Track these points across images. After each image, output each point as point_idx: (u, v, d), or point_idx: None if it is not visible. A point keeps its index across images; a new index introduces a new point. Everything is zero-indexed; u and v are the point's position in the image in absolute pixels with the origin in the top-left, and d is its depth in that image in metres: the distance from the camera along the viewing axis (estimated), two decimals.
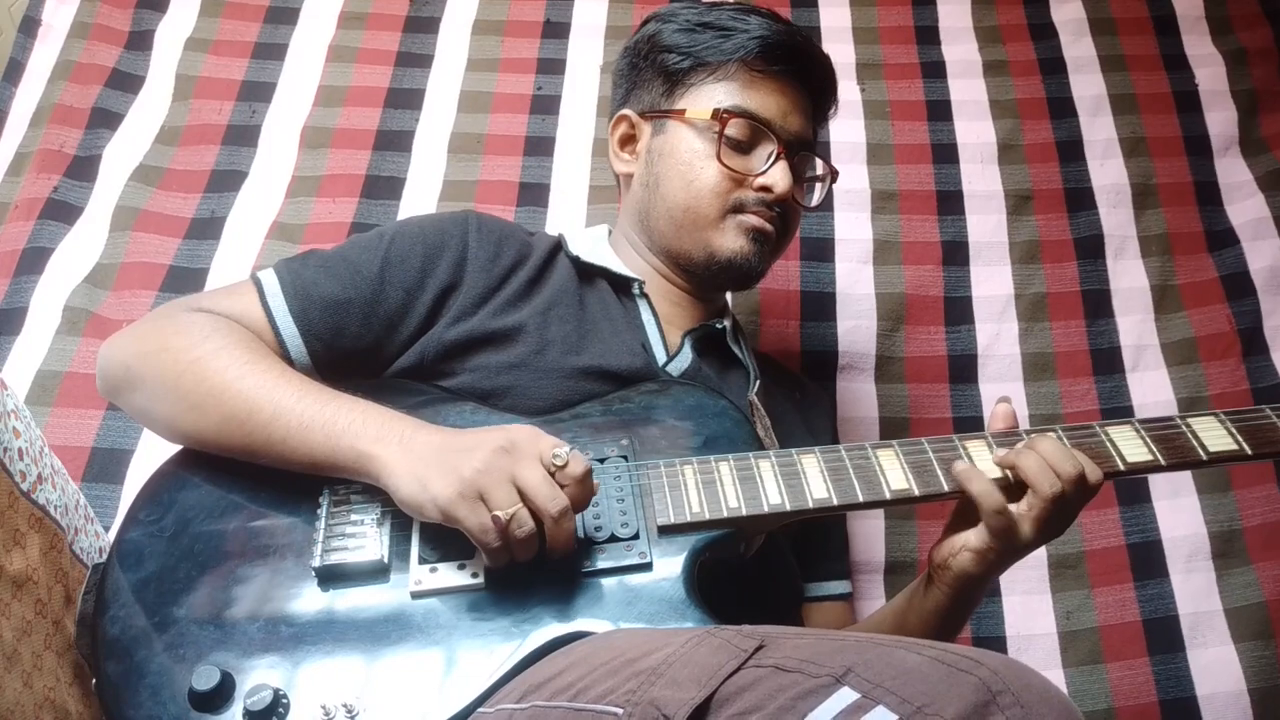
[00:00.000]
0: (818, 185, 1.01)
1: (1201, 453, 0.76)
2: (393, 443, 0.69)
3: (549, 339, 0.83)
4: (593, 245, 0.95)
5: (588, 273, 0.92)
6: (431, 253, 0.85)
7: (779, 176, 0.90)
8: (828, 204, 1.33)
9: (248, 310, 0.81)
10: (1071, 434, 0.77)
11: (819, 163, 0.99)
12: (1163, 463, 0.75)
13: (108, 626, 0.68)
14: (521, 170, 1.32)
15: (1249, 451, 0.76)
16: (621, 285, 0.93)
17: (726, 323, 0.96)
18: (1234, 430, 0.77)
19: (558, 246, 0.93)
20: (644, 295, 0.92)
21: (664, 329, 0.91)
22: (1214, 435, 0.76)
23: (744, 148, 0.91)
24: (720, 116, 0.90)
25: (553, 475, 0.66)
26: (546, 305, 0.86)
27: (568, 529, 0.67)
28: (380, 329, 0.83)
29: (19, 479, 0.70)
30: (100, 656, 0.68)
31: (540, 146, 1.34)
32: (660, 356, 0.89)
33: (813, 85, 0.96)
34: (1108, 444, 0.76)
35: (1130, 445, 0.76)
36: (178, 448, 0.79)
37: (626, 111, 0.99)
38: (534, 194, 1.30)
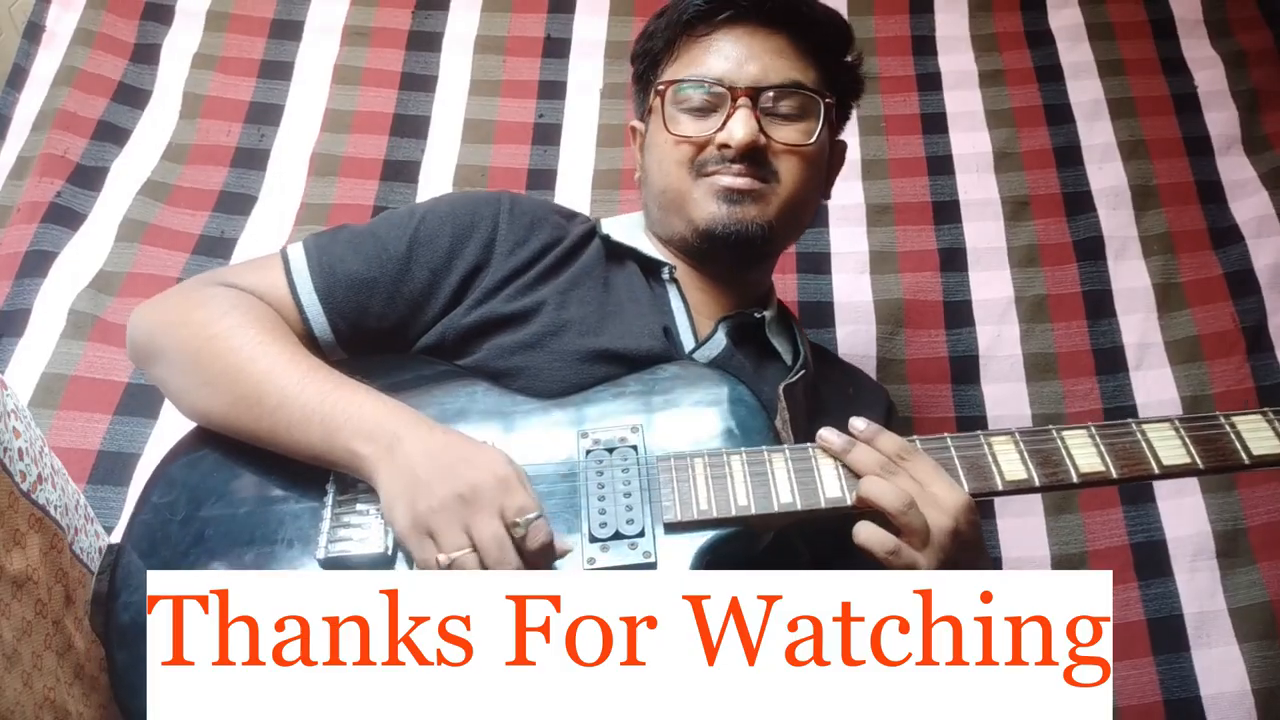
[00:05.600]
0: (806, 121, 0.89)
1: (1155, 466, 0.71)
2: (382, 444, 0.69)
3: (566, 319, 0.82)
4: (629, 229, 0.94)
5: (618, 254, 0.90)
6: (461, 233, 0.85)
7: (733, 126, 0.84)
8: (822, 219, 1.34)
9: (273, 286, 0.81)
10: (1029, 438, 0.73)
11: (801, 95, 0.88)
12: (1114, 475, 0.71)
13: (120, 613, 0.69)
14: None
15: (1200, 465, 0.71)
16: (651, 269, 0.90)
17: (768, 313, 0.92)
18: (1188, 440, 0.72)
19: (593, 230, 0.92)
20: (674, 280, 0.89)
21: (694, 316, 0.88)
22: (1169, 444, 0.72)
23: (702, 111, 0.88)
24: (658, 91, 0.89)
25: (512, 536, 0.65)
26: (568, 285, 0.85)
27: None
28: (405, 309, 0.83)
29: (19, 479, 0.71)
30: (112, 643, 0.69)
31: (542, 180, 1.36)
32: (688, 342, 0.86)
33: (778, 22, 0.89)
34: (1062, 450, 0.72)
35: (1083, 453, 0.72)
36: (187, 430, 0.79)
37: (634, 122, 1.00)
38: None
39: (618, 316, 0.84)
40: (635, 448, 0.74)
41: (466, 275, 0.84)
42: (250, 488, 0.74)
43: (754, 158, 0.86)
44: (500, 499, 0.65)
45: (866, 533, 0.68)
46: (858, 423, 0.73)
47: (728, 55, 0.88)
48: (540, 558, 0.66)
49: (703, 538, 0.71)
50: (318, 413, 0.71)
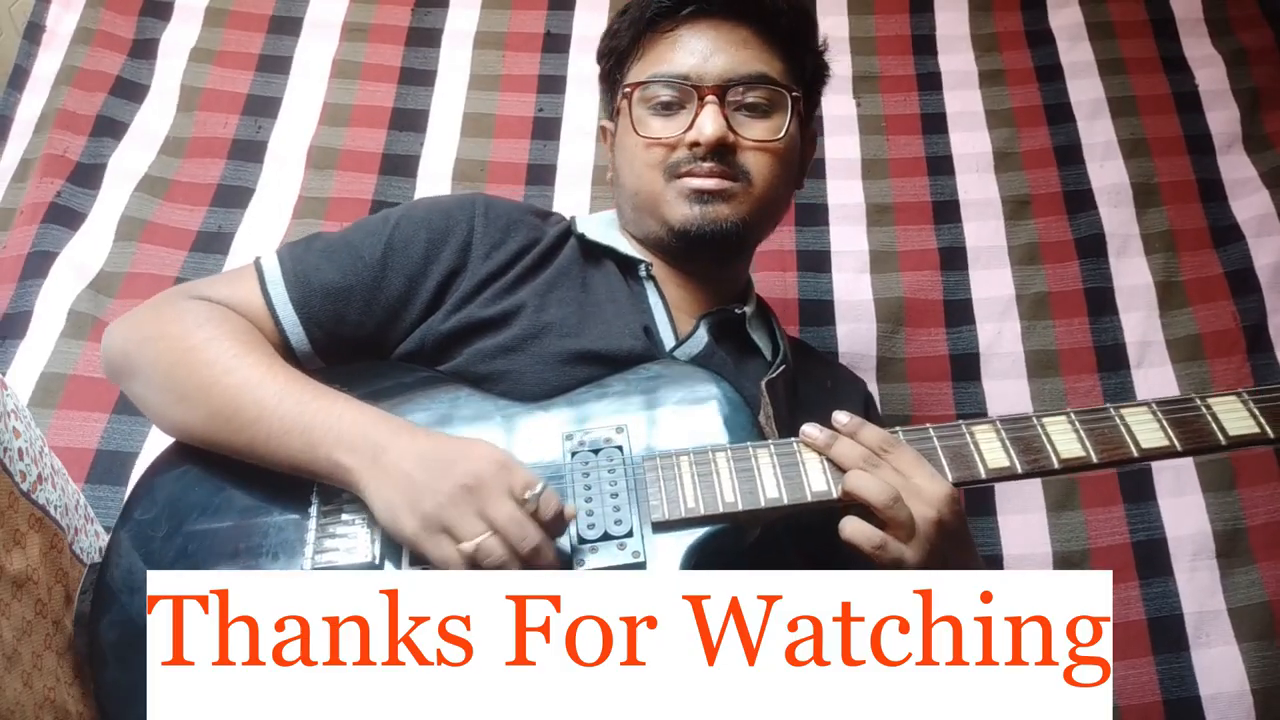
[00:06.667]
0: (774, 117, 0.88)
1: (1134, 449, 0.72)
2: (365, 454, 0.68)
3: (546, 321, 0.82)
4: (604, 227, 0.94)
5: (594, 253, 0.90)
6: (436, 238, 0.84)
7: (702, 124, 0.84)
8: (823, 219, 1.34)
9: (248, 297, 0.81)
10: (1010, 426, 0.74)
11: (766, 90, 0.88)
12: (1094, 460, 0.72)
13: (106, 632, 0.69)
14: (524, 200, 1.34)
15: (1179, 447, 0.71)
16: (629, 267, 0.90)
17: (748, 308, 0.92)
18: (1165, 423, 0.72)
19: (569, 230, 0.92)
20: (651, 278, 0.90)
21: (673, 313, 0.88)
22: (1147, 428, 0.72)
23: (670, 110, 0.87)
24: (625, 94, 0.89)
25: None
26: (547, 287, 0.85)
27: (545, 559, 0.66)
28: (382, 316, 0.82)
29: (19, 479, 0.70)
30: (98, 662, 0.68)
31: (541, 174, 1.36)
32: (668, 340, 0.86)
33: (744, 15, 0.88)
34: (1042, 437, 0.73)
35: (1063, 439, 0.72)
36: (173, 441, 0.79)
37: (603, 122, 0.99)
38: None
39: (597, 317, 0.84)
40: (620, 448, 0.74)
41: (443, 280, 0.83)
42: (233, 501, 0.73)
43: (724, 155, 0.85)
44: (505, 479, 0.66)
45: (852, 528, 0.69)
46: (840, 416, 0.74)
47: (693, 50, 0.87)
48: (555, 526, 0.67)
49: (691, 536, 0.71)
50: (297, 424, 0.70)
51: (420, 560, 0.69)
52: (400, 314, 0.83)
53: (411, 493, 0.66)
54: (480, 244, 0.85)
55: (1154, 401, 0.74)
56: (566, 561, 0.69)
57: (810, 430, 0.74)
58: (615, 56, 0.94)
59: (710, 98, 0.85)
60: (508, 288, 0.84)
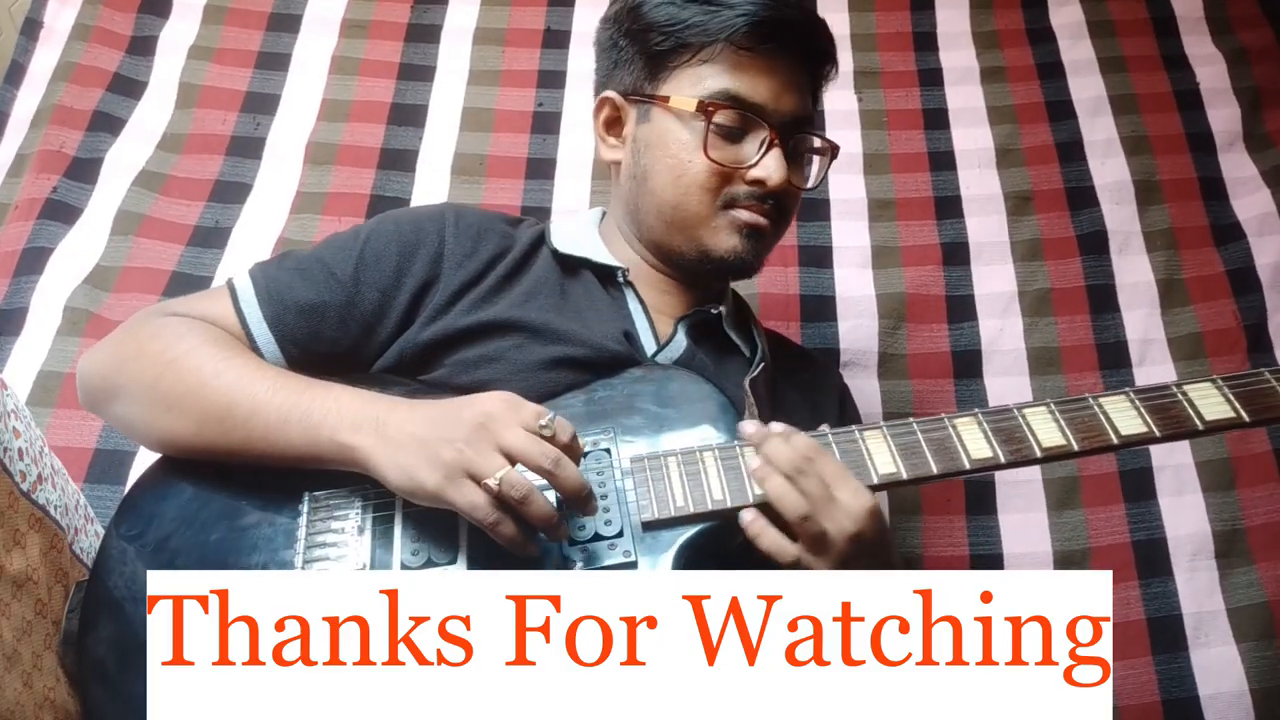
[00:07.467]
0: (816, 160, 0.94)
1: (1114, 436, 0.72)
2: (369, 430, 0.68)
3: (527, 329, 0.82)
4: (578, 234, 0.93)
5: (570, 262, 0.90)
6: (407, 251, 0.84)
7: (773, 168, 0.85)
8: (824, 214, 1.34)
9: (223, 316, 0.81)
10: (991, 417, 0.74)
11: (816, 140, 0.92)
12: (1075, 448, 0.72)
13: (93, 649, 0.69)
14: (523, 194, 1.34)
15: (1157, 434, 0.72)
16: (606, 274, 0.90)
17: (724, 308, 0.91)
18: (1143, 410, 0.73)
19: (541, 238, 0.92)
20: (629, 284, 0.89)
21: (653, 318, 0.88)
22: (1125, 416, 0.72)
23: (734, 135, 0.86)
24: (706, 108, 0.85)
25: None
26: (525, 296, 0.85)
27: (572, 477, 0.65)
28: (357, 331, 0.82)
29: (19, 479, 0.70)
30: (87, 680, 0.68)
31: (541, 169, 1.36)
32: (649, 345, 0.86)
33: (808, 58, 0.89)
34: (1024, 427, 0.72)
35: (1044, 428, 0.72)
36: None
37: (609, 94, 0.93)
38: (536, 217, 1.32)
39: (578, 323, 0.84)
40: (608, 450, 0.75)
41: (417, 292, 0.83)
42: (219, 515, 0.73)
43: (777, 198, 0.87)
44: (515, 414, 0.66)
45: (770, 538, 0.69)
46: (776, 426, 0.73)
47: (769, 83, 0.86)
48: (572, 450, 0.67)
49: (682, 534, 0.71)
50: (294, 412, 0.70)
51: (413, 565, 0.69)
52: (375, 328, 0.83)
53: (427, 449, 0.66)
54: (452, 254, 0.85)
55: (1132, 389, 0.74)
56: (557, 563, 0.69)
57: (746, 427, 0.74)
58: (673, 39, 0.87)
59: (776, 139, 0.85)
60: (484, 297, 0.84)
